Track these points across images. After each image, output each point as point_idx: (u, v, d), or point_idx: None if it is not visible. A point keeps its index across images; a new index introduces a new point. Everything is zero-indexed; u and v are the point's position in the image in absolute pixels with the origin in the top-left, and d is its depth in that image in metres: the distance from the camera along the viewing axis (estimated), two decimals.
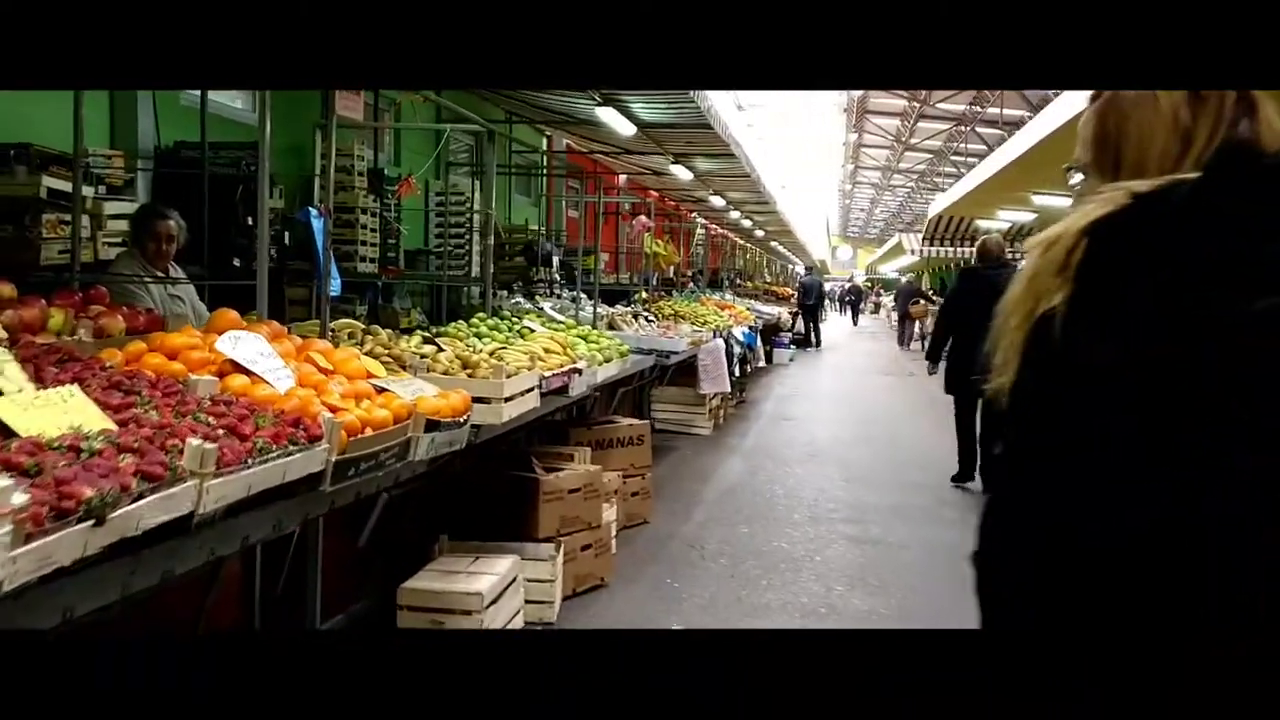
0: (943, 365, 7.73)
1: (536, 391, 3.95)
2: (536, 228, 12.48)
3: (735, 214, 17.45)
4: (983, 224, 20.89)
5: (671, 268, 14.11)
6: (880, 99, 25.89)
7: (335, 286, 5.12)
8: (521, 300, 7.62)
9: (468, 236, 10.22)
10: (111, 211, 5.18)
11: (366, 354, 3.60)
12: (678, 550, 5.62)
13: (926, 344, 11.71)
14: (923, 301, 24.57)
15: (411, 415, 2.71)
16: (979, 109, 25.46)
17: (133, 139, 6.22)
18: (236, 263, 6.17)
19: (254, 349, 2.51)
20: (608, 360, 5.39)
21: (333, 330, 4.31)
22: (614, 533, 5.24)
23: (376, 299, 8.12)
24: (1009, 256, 8.29)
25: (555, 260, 10.40)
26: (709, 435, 9.60)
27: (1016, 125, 25.36)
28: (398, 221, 8.59)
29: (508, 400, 3.54)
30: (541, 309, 7.42)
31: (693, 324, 9.60)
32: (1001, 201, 15.51)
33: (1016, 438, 1.15)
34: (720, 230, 20.95)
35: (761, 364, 12.77)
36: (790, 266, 37.15)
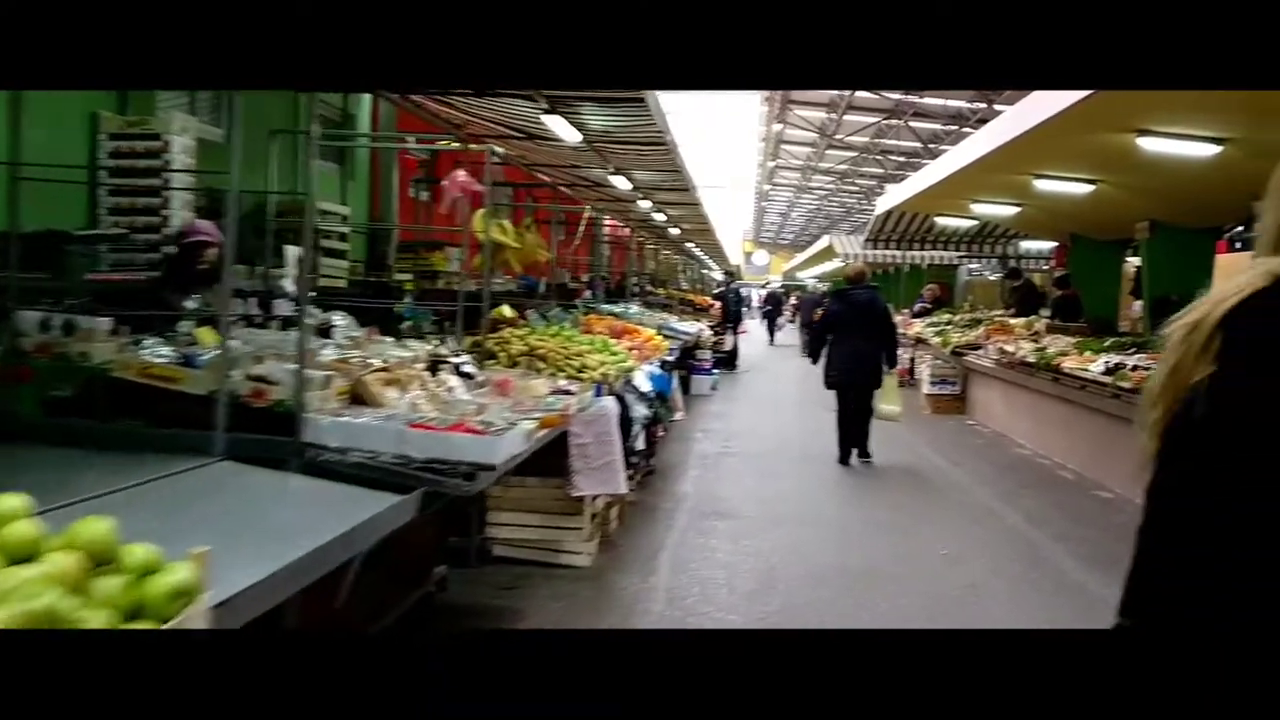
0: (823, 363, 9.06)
1: None
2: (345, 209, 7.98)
3: (645, 204, 13.29)
4: (941, 221, 17.35)
5: (552, 269, 9.85)
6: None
7: None
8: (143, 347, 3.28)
9: (164, 212, 5.86)
10: None
11: None
12: None
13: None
14: (820, 311, 21.61)
15: None
16: (916, 97, 22.08)
17: None
18: None
19: None
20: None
21: None
22: None
23: None
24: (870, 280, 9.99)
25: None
26: (587, 568, 5.40)
27: (955, 118, 22.21)
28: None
29: None
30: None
31: (561, 372, 5.36)
32: (982, 190, 12.13)
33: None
34: (623, 229, 16.84)
35: (679, 416, 8.59)
36: (707, 273, 33.10)
